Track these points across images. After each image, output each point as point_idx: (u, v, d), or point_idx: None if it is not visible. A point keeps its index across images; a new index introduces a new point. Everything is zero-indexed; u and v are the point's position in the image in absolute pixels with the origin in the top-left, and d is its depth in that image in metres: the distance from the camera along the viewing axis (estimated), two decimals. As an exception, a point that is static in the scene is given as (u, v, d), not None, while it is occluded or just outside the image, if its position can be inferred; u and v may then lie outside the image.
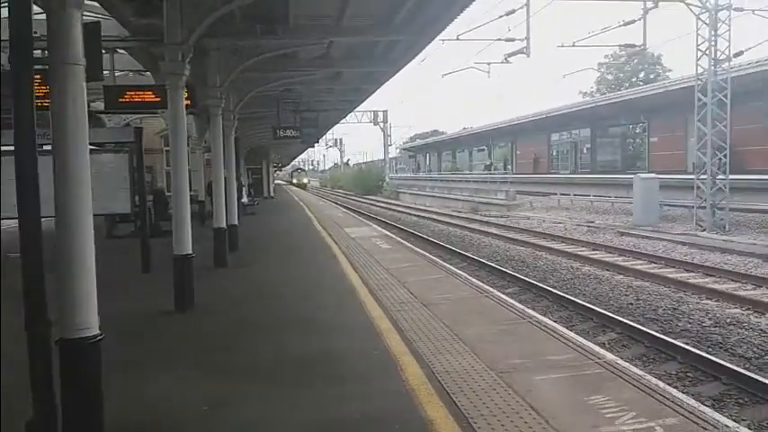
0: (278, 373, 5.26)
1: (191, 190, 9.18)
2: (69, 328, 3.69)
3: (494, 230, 21.64)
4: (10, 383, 3.47)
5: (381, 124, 60.61)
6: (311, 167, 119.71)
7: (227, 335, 6.65)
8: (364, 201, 48.67)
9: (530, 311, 7.22)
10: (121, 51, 11.87)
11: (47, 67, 3.94)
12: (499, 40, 22.76)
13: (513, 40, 22.31)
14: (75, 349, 3.71)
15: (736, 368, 6.48)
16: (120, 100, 9.61)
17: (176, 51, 8.03)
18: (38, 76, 4.64)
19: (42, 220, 3.62)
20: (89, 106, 4.47)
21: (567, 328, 7.08)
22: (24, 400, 3.49)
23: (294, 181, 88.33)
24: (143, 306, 7.99)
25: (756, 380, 6.10)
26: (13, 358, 3.57)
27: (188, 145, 9.51)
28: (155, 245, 10.63)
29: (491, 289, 8.80)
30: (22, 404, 3.50)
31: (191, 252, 7.94)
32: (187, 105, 8.67)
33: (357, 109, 37.22)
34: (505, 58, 23.65)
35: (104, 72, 12.06)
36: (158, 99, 9.29)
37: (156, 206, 15.60)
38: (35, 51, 4.63)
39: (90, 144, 4.07)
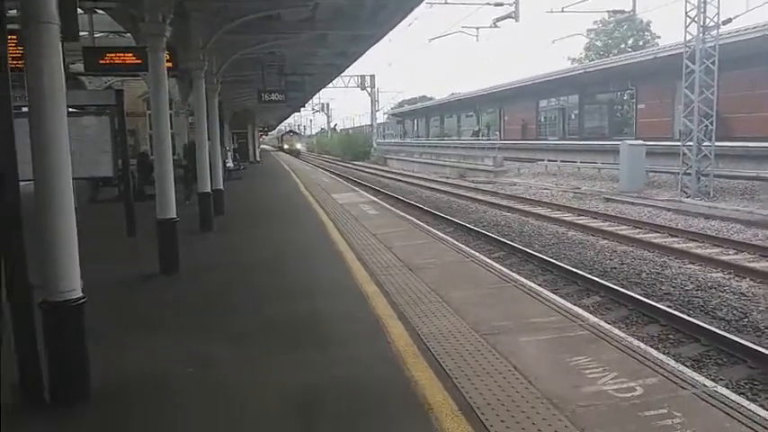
0: (264, 335, 5.27)
1: (174, 154, 9.05)
2: (52, 291, 3.71)
3: (481, 196, 21.69)
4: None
5: (369, 89, 59.95)
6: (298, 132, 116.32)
7: (211, 298, 6.65)
8: (351, 166, 48.48)
9: (515, 275, 7.28)
10: (101, 12, 11.55)
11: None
12: (488, 4, 22.52)
13: (501, 4, 22.13)
14: (59, 312, 3.74)
15: (715, 330, 6.62)
16: (101, 62, 9.40)
17: (156, 12, 7.80)
18: (13, 37, 4.50)
19: (22, 183, 3.56)
20: (68, 68, 4.37)
21: (551, 291, 7.14)
22: (10, 363, 3.49)
23: (285, 146, 76.02)
24: (128, 269, 7.98)
25: (735, 341, 6.23)
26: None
27: (171, 108, 9.35)
28: (140, 209, 10.53)
29: (477, 253, 8.83)
30: (8, 367, 3.50)
31: (174, 216, 7.89)
32: (169, 68, 8.49)
33: (344, 73, 36.80)
34: (494, 23, 23.45)
35: (83, 33, 11.78)
36: (139, 61, 9.10)
37: (140, 170, 15.42)
38: (10, 11, 4.48)
39: (70, 107, 3.98)
